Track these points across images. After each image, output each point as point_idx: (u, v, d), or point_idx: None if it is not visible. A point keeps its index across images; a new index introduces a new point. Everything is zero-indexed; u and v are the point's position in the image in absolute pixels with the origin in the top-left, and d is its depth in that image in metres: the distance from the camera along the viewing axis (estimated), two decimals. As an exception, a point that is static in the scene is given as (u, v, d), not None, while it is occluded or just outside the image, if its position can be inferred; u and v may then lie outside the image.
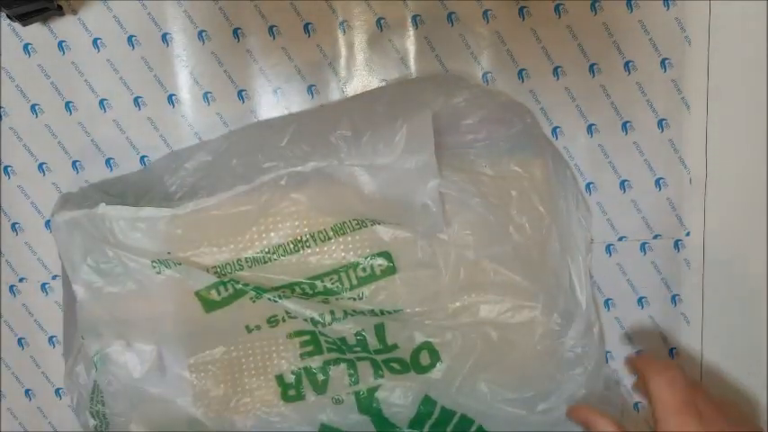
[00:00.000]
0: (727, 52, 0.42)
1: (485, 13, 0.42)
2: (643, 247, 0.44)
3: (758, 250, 0.45)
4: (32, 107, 0.42)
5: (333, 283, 0.40)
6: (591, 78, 0.43)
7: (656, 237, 0.44)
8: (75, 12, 0.41)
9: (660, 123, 0.43)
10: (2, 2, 0.36)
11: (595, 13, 0.42)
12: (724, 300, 0.45)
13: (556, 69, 0.43)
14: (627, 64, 0.42)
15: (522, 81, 0.43)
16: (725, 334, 0.45)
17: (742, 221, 0.44)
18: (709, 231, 0.44)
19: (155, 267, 0.38)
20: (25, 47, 0.41)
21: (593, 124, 0.43)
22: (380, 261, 0.40)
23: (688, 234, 0.44)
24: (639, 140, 0.43)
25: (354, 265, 0.40)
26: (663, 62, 0.42)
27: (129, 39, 0.42)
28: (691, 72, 0.43)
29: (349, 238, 0.40)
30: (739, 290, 0.45)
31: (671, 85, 0.43)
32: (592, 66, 0.42)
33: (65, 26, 0.41)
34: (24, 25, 0.40)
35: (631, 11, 0.42)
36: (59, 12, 0.40)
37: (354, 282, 0.40)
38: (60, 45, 0.42)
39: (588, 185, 0.44)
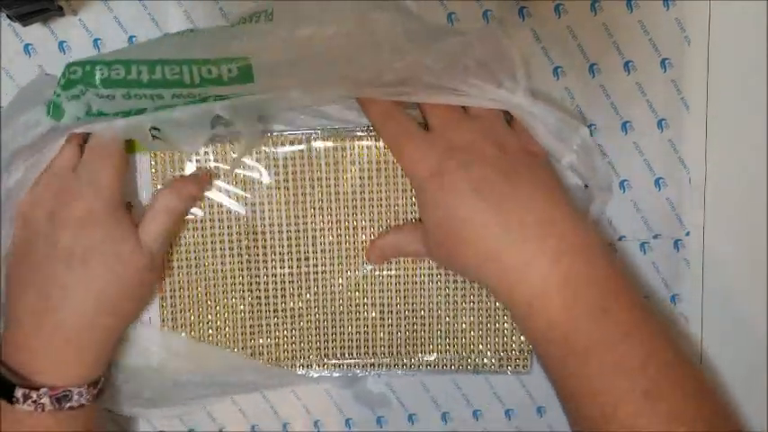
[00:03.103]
0: (727, 52, 0.42)
1: (485, 13, 0.42)
2: (643, 247, 0.44)
3: (758, 250, 0.45)
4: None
5: (172, 75, 0.36)
6: (591, 78, 0.43)
7: (656, 237, 0.44)
8: (75, 12, 0.41)
9: (660, 123, 0.43)
10: (2, 2, 0.36)
11: (595, 14, 0.42)
12: (724, 300, 0.45)
13: (556, 69, 0.43)
14: (626, 64, 0.42)
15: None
16: (725, 334, 0.45)
17: (742, 222, 0.44)
18: (709, 231, 0.44)
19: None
20: (26, 47, 0.41)
21: (593, 124, 0.43)
22: (232, 66, 0.36)
23: (688, 234, 0.44)
24: (639, 140, 0.43)
25: (203, 62, 0.36)
26: (662, 62, 0.42)
27: (130, 39, 0.42)
28: (690, 72, 0.43)
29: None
30: (739, 290, 0.45)
31: (671, 86, 0.43)
32: (591, 66, 0.43)
33: (65, 27, 0.41)
34: (25, 25, 0.40)
35: (631, 11, 0.42)
36: (60, 12, 0.40)
37: (197, 80, 0.36)
38: (61, 45, 0.42)
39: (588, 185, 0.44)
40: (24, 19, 0.39)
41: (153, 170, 0.42)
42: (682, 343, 0.45)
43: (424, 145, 0.38)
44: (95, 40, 0.42)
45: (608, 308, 0.36)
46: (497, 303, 0.44)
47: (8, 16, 0.38)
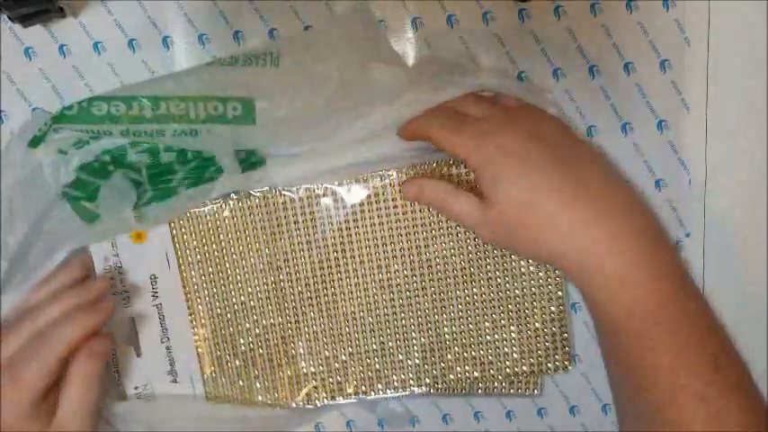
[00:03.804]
0: (726, 53, 0.42)
1: (484, 14, 0.42)
2: (643, 247, 0.45)
3: (758, 251, 0.45)
4: (33, 111, 0.42)
5: (178, 110, 0.39)
6: (590, 80, 0.43)
7: (656, 237, 0.44)
8: (75, 15, 0.41)
9: (660, 125, 0.43)
10: (3, 3, 0.36)
11: (595, 15, 0.42)
12: (724, 300, 0.45)
13: (555, 71, 0.43)
14: (626, 65, 0.43)
15: (522, 83, 0.43)
16: (725, 334, 0.45)
17: (742, 222, 0.44)
18: (709, 232, 0.44)
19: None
20: (26, 50, 0.41)
21: (593, 126, 0.43)
22: (237, 105, 0.39)
23: (688, 234, 0.44)
24: (639, 142, 0.43)
25: (206, 98, 0.39)
26: (662, 63, 0.42)
27: (130, 42, 0.42)
28: (690, 73, 0.43)
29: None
30: (739, 290, 0.45)
31: (670, 87, 0.43)
32: (591, 67, 0.43)
33: (65, 30, 0.41)
34: (25, 27, 0.40)
35: (631, 12, 0.42)
36: (61, 14, 0.40)
37: (202, 116, 0.39)
38: (61, 49, 0.42)
39: (588, 186, 0.44)
40: (25, 20, 0.39)
41: (174, 239, 0.42)
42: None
43: (482, 128, 0.38)
44: (96, 44, 0.42)
45: (681, 276, 0.36)
46: (505, 333, 0.44)
47: (9, 18, 0.38)
